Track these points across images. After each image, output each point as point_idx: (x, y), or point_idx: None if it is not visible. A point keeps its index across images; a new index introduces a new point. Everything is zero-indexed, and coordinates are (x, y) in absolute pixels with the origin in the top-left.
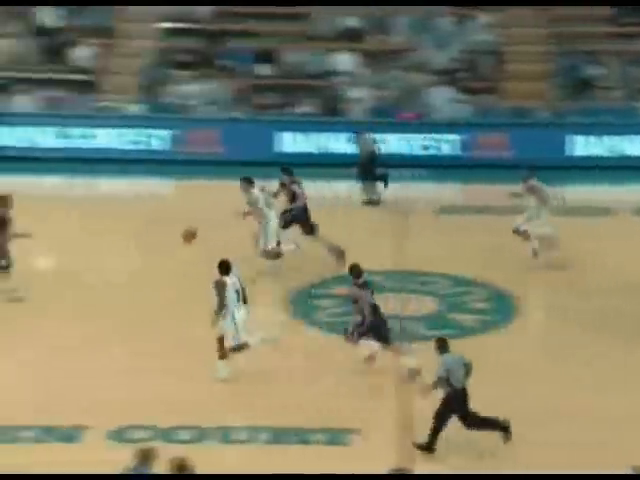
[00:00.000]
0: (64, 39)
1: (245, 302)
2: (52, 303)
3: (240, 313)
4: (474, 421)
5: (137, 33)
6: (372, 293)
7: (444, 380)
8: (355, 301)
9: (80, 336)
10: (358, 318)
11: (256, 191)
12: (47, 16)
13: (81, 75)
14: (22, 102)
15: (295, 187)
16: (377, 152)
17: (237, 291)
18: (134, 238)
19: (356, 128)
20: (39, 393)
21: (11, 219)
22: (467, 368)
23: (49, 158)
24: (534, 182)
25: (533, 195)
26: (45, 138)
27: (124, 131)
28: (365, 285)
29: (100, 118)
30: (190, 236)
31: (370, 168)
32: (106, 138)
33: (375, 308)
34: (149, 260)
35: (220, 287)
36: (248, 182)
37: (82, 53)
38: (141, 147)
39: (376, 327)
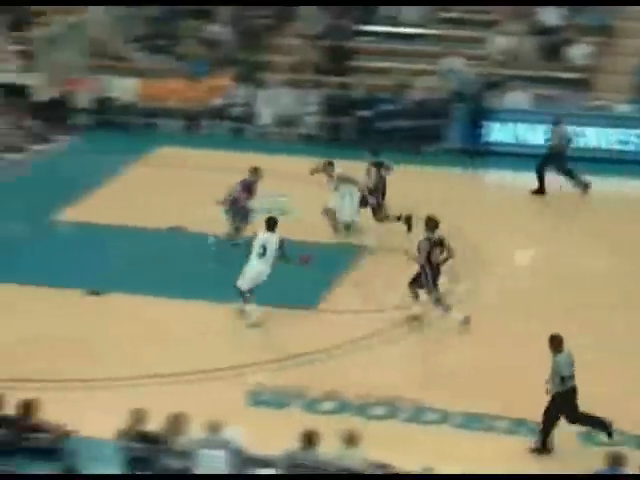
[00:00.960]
0: (563, 37)
1: (273, 261)
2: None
3: (253, 264)
4: (578, 416)
5: (637, 32)
6: (441, 252)
7: (559, 379)
8: (419, 251)
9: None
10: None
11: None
12: (549, 15)
13: (576, 73)
14: (515, 99)
15: (368, 173)
16: (567, 146)
17: (264, 246)
18: (604, 237)
19: (554, 119)
20: (506, 384)
21: (257, 187)
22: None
23: (537, 155)
24: None
25: None
26: (535, 135)
27: (613, 130)
28: (439, 242)
29: (589, 117)
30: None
31: (559, 160)
32: (595, 137)
33: (437, 267)
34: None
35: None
36: (329, 164)
37: (578, 51)
38: (629, 148)
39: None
